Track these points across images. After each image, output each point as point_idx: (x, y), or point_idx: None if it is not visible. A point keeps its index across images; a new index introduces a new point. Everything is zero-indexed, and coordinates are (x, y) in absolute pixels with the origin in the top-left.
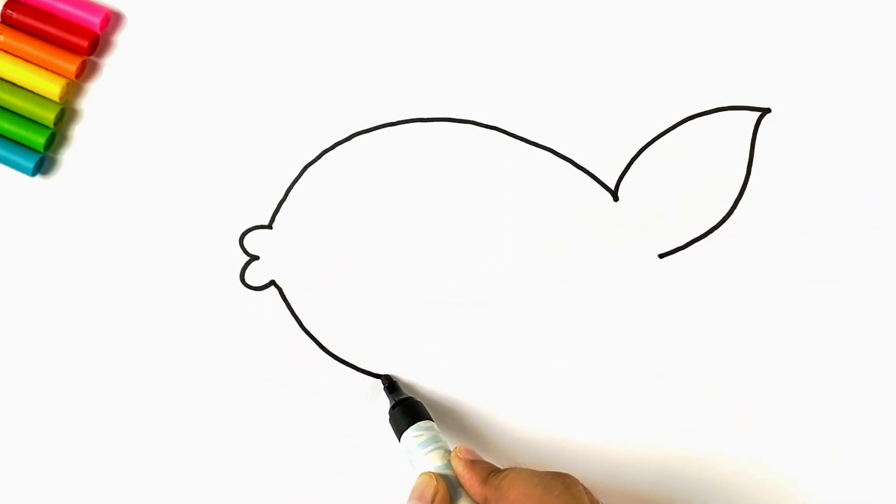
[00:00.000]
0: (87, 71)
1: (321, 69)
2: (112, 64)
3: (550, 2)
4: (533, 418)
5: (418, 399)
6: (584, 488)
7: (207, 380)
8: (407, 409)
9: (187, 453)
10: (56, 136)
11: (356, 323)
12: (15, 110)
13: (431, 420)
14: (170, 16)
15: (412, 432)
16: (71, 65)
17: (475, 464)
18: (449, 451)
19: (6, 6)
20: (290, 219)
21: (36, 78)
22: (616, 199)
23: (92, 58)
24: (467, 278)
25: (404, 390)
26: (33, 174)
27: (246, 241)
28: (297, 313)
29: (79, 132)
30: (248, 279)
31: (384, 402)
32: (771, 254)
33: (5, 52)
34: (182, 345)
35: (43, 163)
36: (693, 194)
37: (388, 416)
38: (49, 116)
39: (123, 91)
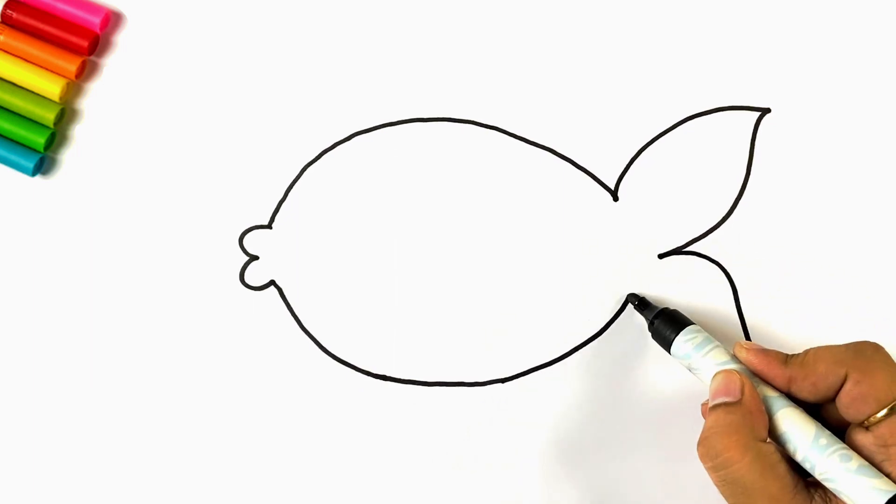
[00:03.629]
0: (87, 71)
1: (321, 69)
2: (112, 64)
3: (550, 2)
4: (535, 419)
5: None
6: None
7: (207, 380)
8: (668, 318)
9: (187, 453)
10: (56, 136)
11: (356, 323)
12: (15, 110)
13: (695, 324)
14: (170, 16)
15: (683, 337)
16: (71, 65)
17: (766, 351)
18: (727, 349)
19: (6, 6)
20: (290, 219)
21: (36, 78)
22: (616, 199)
23: (92, 58)
24: (467, 278)
25: (654, 304)
26: (33, 174)
27: (246, 241)
28: (296, 313)
29: (79, 132)
30: (247, 279)
31: (384, 402)
32: (771, 254)
33: (5, 52)
34: (182, 345)
35: (43, 163)
36: (693, 194)
37: (649, 333)
38: (49, 116)
39: (123, 91)
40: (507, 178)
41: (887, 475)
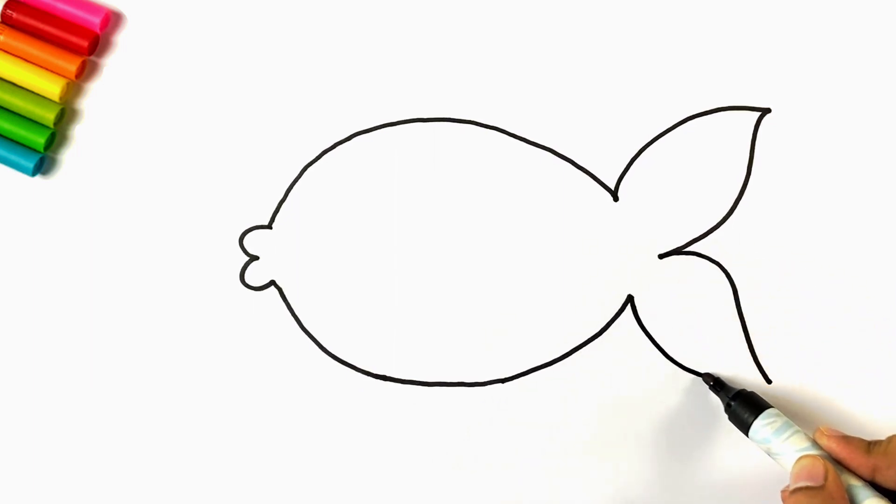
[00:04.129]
0: (87, 71)
1: (321, 69)
2: (112, 64)
3: (550, 2)
4: (535, 419)
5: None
6: None
7: (207, 380)
8: (747, 400)
9: (187, 453)
10: (56, 136)
11: (356, 323)
12: (15, 110)
13: (773, 407)
14: (170, 16)
15: (762, 421)
16: (71, 65)
17: (848, 438)
18: (807, 435)
19: (6, 6)
20: (290, 219)
21: (36, 78)
22: (616, 199)
23: (92, 58)
24: (467, 278)
25: (730, 385)
26: (33, 174)
27: (246, 241)
28: (296, 313)
29: (79, 132)
30: (247, 279)
31: (384, 402)
32: (771, 254)
33: (5, 52)
34: (182, 345)
35: (43, 163)
36: (693, 194)
37: (727, 415)
38: (49, 116)
39: (123, 91)
40: (507, 178)
41: None
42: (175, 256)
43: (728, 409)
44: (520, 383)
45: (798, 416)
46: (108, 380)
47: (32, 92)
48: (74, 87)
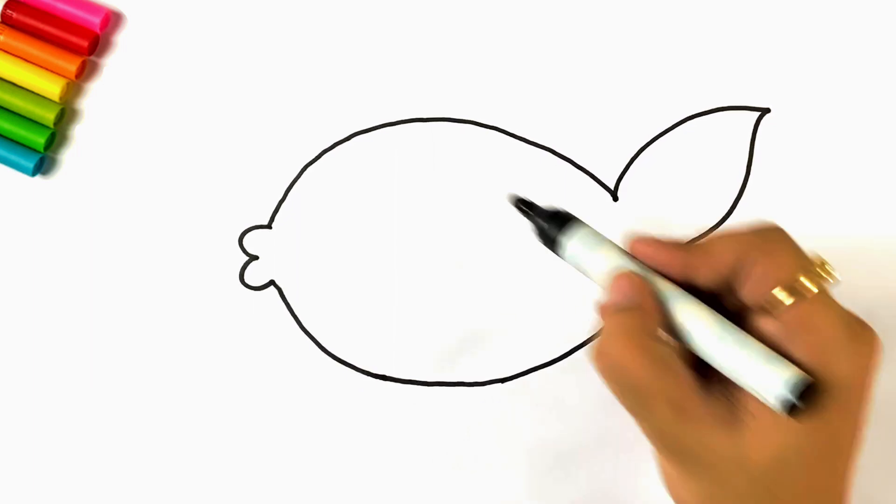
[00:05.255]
0: (87, 71)
1: (321, 69)
2: (112, 64)
3: (550, 2)
4: (535, 419)
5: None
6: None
7: (207, 380)
8: (557, 219)
9: (187, 453)
10: (56, 136)
11: (356, 323)
12: (15, 110)
13: (584, 222)
14: (170, 16)
15: (573, 236)
16: (71, 65)
17: (662, 241)
18: (618, 247)
19: (6, 6)
20: (290, 219)
21: (36, 78)
22: (616, 199)
23: (92, 58)
24: (467, 278)
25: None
26: (33, 174)
27: (245, 241)
28: (296, 313)
29: (79, 132)
30: (247, 279)
31: (384, 402)
32: None
33: (5, 52)
34: (181, 345)
35: (43, 163)
36: (692, 194)
37: (536, 237)
38: (49, 116)
39: (123, 91)
40: (507, 178)
41: (793, 362)
42: (175, 256)
43: (539, 231)
44: (520, 383)
45: None
46: (108, 379)
47: (32, 92)
48: (74, 87)
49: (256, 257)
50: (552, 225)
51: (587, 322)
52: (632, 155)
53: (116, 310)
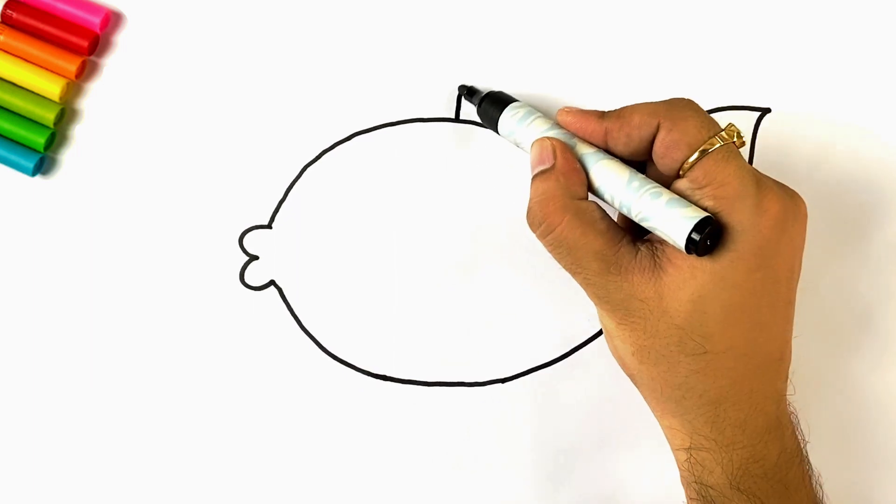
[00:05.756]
0: (87, 71)
1: (321, 69)
2: (112, 64)
3: (550, 2)
4: (535, 419)
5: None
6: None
7: (207, 380)
8: (494, 99)
9: (187, 453)
10: (56, 136)
11: (356, 323)
12: (15, 110)
13: (519, 101)
14: (170, 16)
15: (508, 113)
16: (71, 65)
17: (584, 111)
18: (550, 119)
19: (6, 6)
20: (290, 219)
21: (36, 78)
22: None
23: (92, 58)
24: (467, 278)
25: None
26: (33, 174)
27: (246, 241)
28: (296, 313)
29: (79, 132)
30: (247, 279)
31: (384, 402)
32: None
33: (5, 52)
34: (181, 345)
35: (43, 163)
36: None
37: (478, 117)
38: (49, 116)
39: (123, 91)
40: (508, 178)
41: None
42: (175, 256)
43: (479, 109)
44: (520, 383)
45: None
46: (108, 379)
47: (32, 92)
48: (74, 87)
49: (256, 257)
50: (492, 106)
51: (587, 322)
52: None
53: (117, 310)
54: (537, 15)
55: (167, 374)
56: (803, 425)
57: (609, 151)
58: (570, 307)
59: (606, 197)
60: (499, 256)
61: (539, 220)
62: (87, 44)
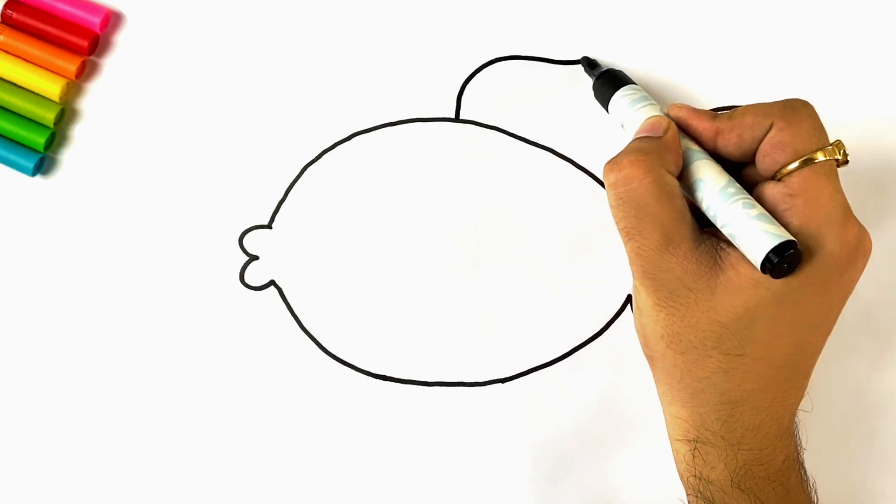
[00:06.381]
0: (87, 71)
1: (321, 69)
2: (112, 64)
3: (550, 2)
4: (535, 419)
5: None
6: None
7: (207, 380)
8: (611, 77)
9: (187, 453)
10: (56, 136)
11: (356, 323)
12: (15, 110)
13: (636, 83)
14: (170, 16)
15: (622, 93)
16: (71, 65)
17: (698, 109)
18: (662, 109)
19: (6, 6)
20: (290, 219)
21: (36, 78)
22: None
23: (92, 58)
24: (467, 278)
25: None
26: (33, 174)
27: (246, 241)
28: (296, 313)
29: (79, 132)
30: (247, 279)
31: (384, 402)
32: None
33: (5, 52)
34: (181, 345)
35: (43, 163)
36: None
37: (592, 92)
38: (49, 116)
39: (123, 91)
40: (507, 178)
41: (785, 225)
42: (175, 256)
43: (595, 84)
44: (520, 383)
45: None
46: (108, 379)
47: (32, 92)
48: (74, 87)
49: (256, 257)
50: (608, 82)
51: (587, 323)
52: None
53: (117, 310)
54: (537, 15)
55: (167, 374)
56: (802, 425)
57: (715, 153)
58: (570, 307)
59: (697, 195)
60: (498, 257)
61: (620, 168)
62: (87, 44)
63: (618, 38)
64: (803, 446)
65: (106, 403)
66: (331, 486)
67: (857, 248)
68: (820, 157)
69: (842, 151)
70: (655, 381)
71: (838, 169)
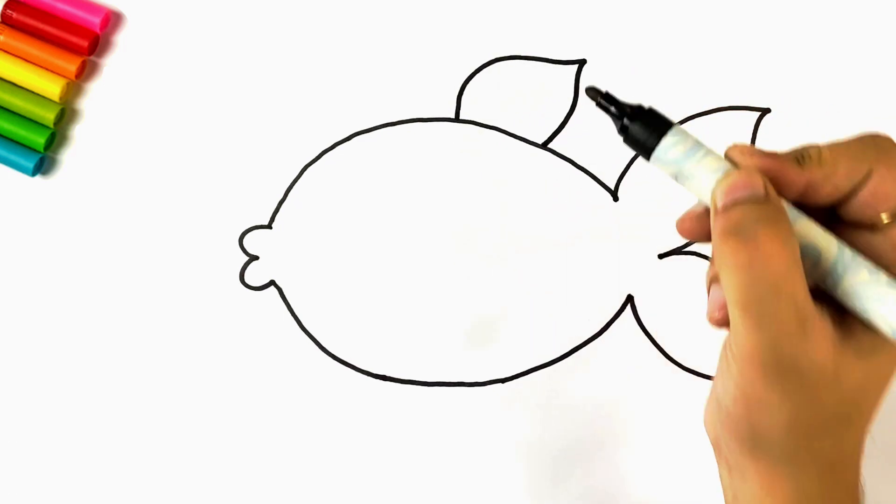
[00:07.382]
0: (87, 71)
1: (321, 69)
2: (112, 64)
3: (550, 2)
4: (534, 419)
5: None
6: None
7: (207, 380)
8: (648, 118)
9: (187, 454)
10: (56, 136)
11: (356, 323)
12: (15, 110)
13: (676, 123)
14: (170, 16)
15: (670, 140)
16: (71, 65)
17: (771, 152)
18: (721, 156)
19: (6, 6)
20: (290, 219)
21: (36, 78)
22: (616, 199)
23: (92, 58)
24: (467, 278)
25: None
26: (33, 174)
27: (246, 241)
28: (296, 313)
29: (79, 132)
30: (247, 279)
31: (384, 402)
32: None
33: (5, 52)
34: (181, 345)
35: (43, 163)
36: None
37: (620, 137)
38: (49, 116)
39: (123, 91)
40: (507, 178)
41: None
42: (175, 256)
43: (622, 129)
44: (520, 383)
45: None
46: (108, 379)
47: (32, 92)
48: (74, 87)
49: (256, 257)
50: (644, 126)
51: (587, 322)
52: (632, 155)
53: (116, 310)
54: (537, 15)
55: (167, 375)
56: None
57: (798, 203)
58: (570, 307)
59: (806, 264)
60: (498, 257)
61: (757, 245)
62: (87, 44)
63: (618, 39)
64: None
65: (106, 403)
66: (331, 487)
67: None
68: None
69: None
70: (743, 482)
71: None
